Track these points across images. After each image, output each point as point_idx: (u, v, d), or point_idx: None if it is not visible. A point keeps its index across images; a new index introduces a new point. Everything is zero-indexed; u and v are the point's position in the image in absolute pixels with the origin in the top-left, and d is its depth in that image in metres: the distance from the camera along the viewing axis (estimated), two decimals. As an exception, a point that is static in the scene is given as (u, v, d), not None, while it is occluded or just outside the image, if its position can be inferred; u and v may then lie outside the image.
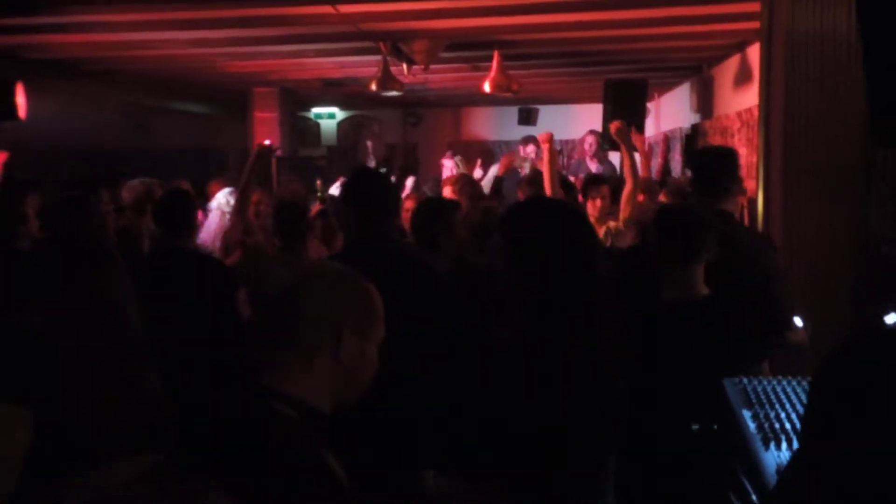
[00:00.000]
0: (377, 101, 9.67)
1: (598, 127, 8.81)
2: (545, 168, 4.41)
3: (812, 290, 3.39)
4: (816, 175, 3.44)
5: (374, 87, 5.62)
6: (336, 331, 1.38)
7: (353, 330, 1.40)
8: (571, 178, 6.46)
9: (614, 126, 4.52)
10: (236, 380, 1.40)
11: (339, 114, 11.25)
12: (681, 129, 8.05)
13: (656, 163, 8.39)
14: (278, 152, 7.08)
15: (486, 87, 5.56)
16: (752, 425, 1.92)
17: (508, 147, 9.90)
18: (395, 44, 5.33)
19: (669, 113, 9.07)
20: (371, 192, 2.61)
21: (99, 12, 4.43)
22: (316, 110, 10.95)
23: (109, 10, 4.39)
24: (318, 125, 11.20)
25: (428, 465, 2.10)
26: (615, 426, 1.66)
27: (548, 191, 4.32)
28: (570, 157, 10.86)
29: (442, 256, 2.97)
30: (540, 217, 1.79)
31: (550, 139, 4.53)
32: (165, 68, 6.51)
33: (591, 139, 8.18)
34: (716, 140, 6.28)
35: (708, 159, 3.14)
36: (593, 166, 8.07)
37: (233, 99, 8.28)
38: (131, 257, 3.64)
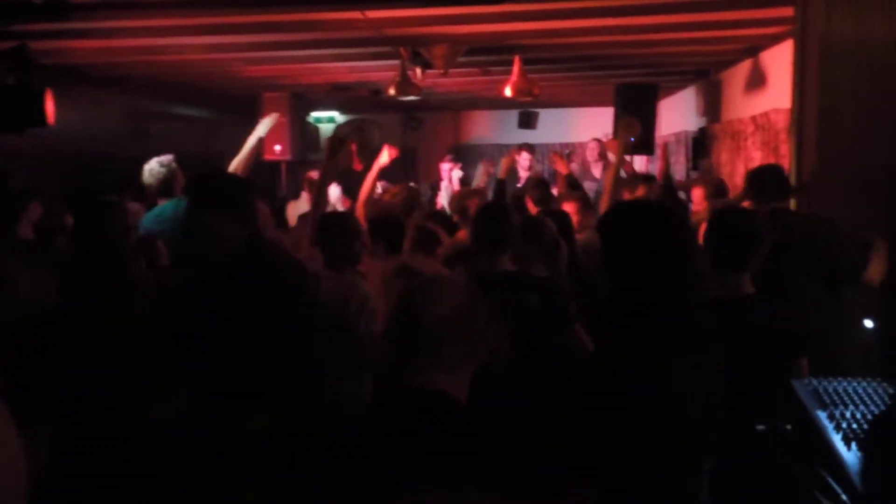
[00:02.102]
0: (378, 104, 9.68)
1: (600, 130, 8.93)
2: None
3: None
4: (851, 179, 3.49)
5: (392, 91, 5.63)
6: None
7: None
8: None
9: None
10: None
11: (339, 118, 11.24)
12: (685, 132, 8.12)
13: (657, 165, 8.48)
14: (287, 157, 7.08)
15: (508, 92, 5.59)
16: (829, 425, 1.97)
17: (508, 151, 9.97)
18: (415, 49, 5.35)
19: (670, 116, 9.15)
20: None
21: (125, 18, 4.42)
22: (315, 114, 10.93)
23: (134, 15, 4.38)
24: (317, 129, 11.19)
25: None
26: (715, 430, 1.69)
27: None
28: (571, 162, 10.98)
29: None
30: (650, 219, 1.81)
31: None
32: (176, 73, 6.49)
33: (594, 145, 8.29)
34: (726, 143, 6.35)
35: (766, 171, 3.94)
36: (597, 171, 8.15)
37: (236, 103, 8.25)
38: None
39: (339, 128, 11.21)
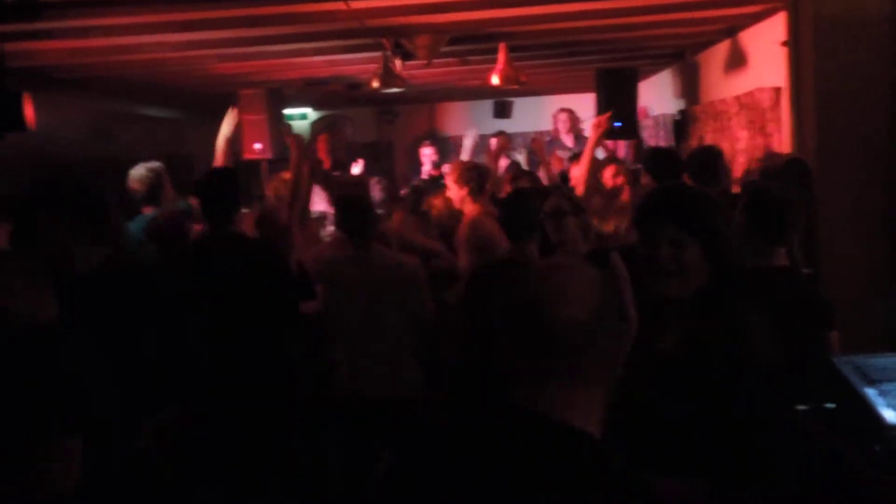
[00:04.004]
0: (352, 99, 9.54)
1: (585, 116, 8.92)
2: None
3: (849, 261, 3.47)
4: (850, 155, 3.50)
5: (376, 84, 5.52)
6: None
7: None
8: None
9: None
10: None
11: (312, 114, 11.06)
12: (663, 115, 8.13)
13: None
14: (268, 155, 6.92)
15: (495, 80, 5.53)
16: (881, 401, 1.93)
17: (484, 141, 9.92)
18: (398, 40, 5.26)
19: (648, 99, 9.14)
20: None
21: (97, 16, 4.26)
22: (287, 111, 10.72)
23: (106, 12, 4.22)
24: (289, 126, 10.97)
25: None
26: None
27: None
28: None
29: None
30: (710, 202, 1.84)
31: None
32: (148, 73, 6.31)
33: (564, 116, 8.34)
34: (709, 124, 6.35)
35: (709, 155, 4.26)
36: (569, 141, 8.18)
37: (209, 102, 8.05)
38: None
39: (313, 124, 11.07)
